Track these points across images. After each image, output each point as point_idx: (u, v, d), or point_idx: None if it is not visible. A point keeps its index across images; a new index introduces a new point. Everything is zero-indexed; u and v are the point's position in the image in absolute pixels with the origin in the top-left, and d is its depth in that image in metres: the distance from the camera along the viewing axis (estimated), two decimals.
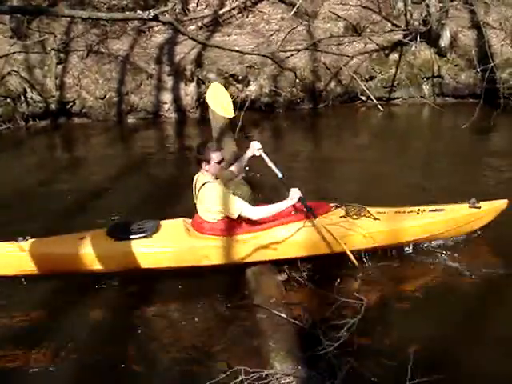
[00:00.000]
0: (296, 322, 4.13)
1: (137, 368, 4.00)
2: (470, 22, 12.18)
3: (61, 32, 12.24)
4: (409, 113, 12.03)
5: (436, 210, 5.24)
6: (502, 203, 5.27)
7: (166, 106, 11.95)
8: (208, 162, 4.85)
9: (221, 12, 13.13)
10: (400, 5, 12.53)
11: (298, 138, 10.70)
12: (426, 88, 12.18)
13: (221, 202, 4.81)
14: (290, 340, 3.90)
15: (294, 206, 5.01)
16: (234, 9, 13.24)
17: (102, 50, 12.19)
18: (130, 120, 12.04)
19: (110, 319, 4.66)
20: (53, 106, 11.79)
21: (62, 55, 11.99)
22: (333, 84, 12.00)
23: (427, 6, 11.81)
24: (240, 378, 3.36)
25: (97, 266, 4.93)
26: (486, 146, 9.50)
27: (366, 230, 5.02)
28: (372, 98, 11.70)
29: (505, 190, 6.64)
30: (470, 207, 5.21)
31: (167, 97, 11.94)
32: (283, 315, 4.17)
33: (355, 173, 8.01)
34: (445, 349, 3.93)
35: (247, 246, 4.90)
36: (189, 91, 11.89)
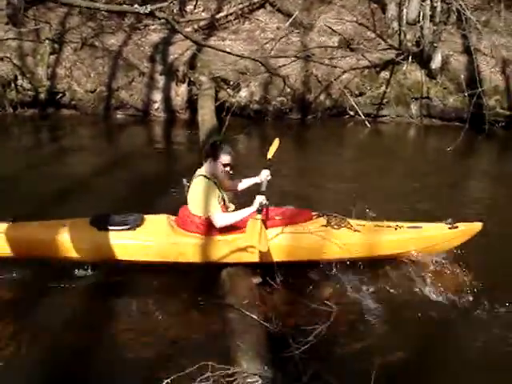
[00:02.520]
0: (266, 324, 4.18)
1: (105, 360, 4.06)
2: (461, 47, 12.36)
3: (56, 22, 12.30)
4: (395, 131, 12.14)
5: (414, 227, 5.35)
6: (477, 226, 5.38)
7: (156, 105, 11.98)
8: (215, 159, 4.89)
9: (218, 16, 13.22)
10: (394, 24, 12.70)
11: (284, 147, 10.72)
12: (414, 108, 12.30)
13: (203, 198, 4.85)
14: (258, 341, 3.94)
15: (276, 212, 5.07)
16: (231, 14, 13.35)
17: (97, 43, 12.23)
18: (119, 116, 12.06)
19: (82, 309, 4.70)
20: (42, 96, 11.81)
21: (55, 45, 12.02)
22: (322, 97, 12.08)
23: (421, 27, 11.96)
24: (206, 374, 3.39)
25: (78, 254, 4.95)
26: (468, 169, 9.62)
27: (344, 240, 5.11)
28: (360, 113, 11.81)
29: (481, 213, 6.77)
30: (448, 227, 5.31)
31: (157, 96, 11.97)
32: (254, 316, 4.22)
33: (338, 185, 8.05)
34: (408, 362, 4.01)
35: (226, 247, 4.95)
36: (179, 92, 11.93)
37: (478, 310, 4.71)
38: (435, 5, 11.67)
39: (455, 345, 4.30)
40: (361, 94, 12.18)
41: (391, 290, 4.98)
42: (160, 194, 7.17)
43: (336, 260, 5.15)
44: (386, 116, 12.41)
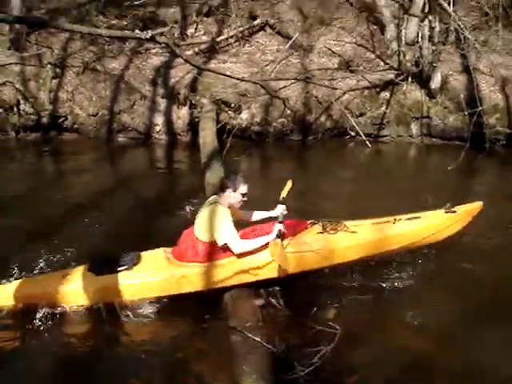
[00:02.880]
0: (270, 346, 4.17)
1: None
2: (460, 67, 12.42)
3: (58, 47, 12.39)
4: (396, 151, 12.15)
5: (412, 218, 5.32)
6: (476, 206, 5.42)
7: (158, 128, 12.03)
8: (234, 190, 4.99)
9: (218, 39, 13.34)
10: (394, 45, 12.77)
11: (286, 168, 10.79)
12: (415, 128, 12.33)
13: (220, 225, 4.89)
14: (262, 363, 3.94)
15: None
16: (231, 37, 13.46)
17: (98, 67, 12.31)
18: (121, 139, 12.11)
19: (86, 339, 4.69)
20: (45, 120, 11.89)
21: (57, 70, 12.10)
22: (323, 118, 12.14)
23: (420, 48, 12.03)
24: None
25: (80, 301, 4.96)
26: (469, 188, 9.62)
27: (343, 244, 5.12)
28: (361, 133, 11.83)
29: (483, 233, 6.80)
30: (445, 212, 5.32)
31: (159, 119, 12.03)
32: (257, 339, 4.21)
33: (338, 204, 8.05)
34: (416, 381, 3.99)
35: (226, 271, 4.96)
36: (181, 115, 11.99)
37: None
38: (434, 25, 11.75)
39: (468, 360, 4.31)
40: (361, 115, 12.23)
41: (395, 311, 4.98)
42: (161, 222, 7.16)
43: (337, 266, 5.15)
44: (386, 136, 12.44)
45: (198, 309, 5.01)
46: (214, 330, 4.62)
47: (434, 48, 11.86)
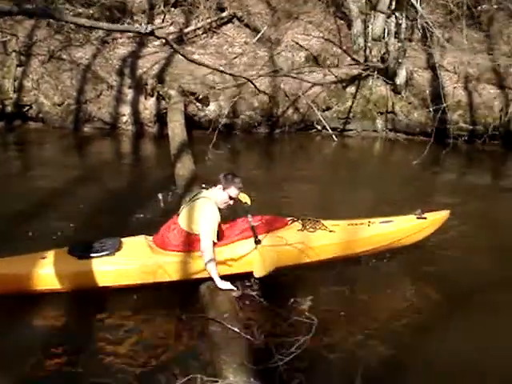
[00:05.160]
0: (248, 336, 4.24)
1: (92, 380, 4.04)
2: (425, 63, 12.67)
3: (23, 35, 12.16)
4: (361, 145, 12.35)
5: (385, 222, 5.55)
6: (444, 214, 5.71)
7: (124, 119, 11.92)
8: (224, 188, 4.99)
9: (186, 31, 13.27)
10: (360, 40, 12.92)
11: (254, 160, 10.87)
12: (380, 123, 12.53)
13: (209, 221, 4.89)
14: (242, 353, 3.99)
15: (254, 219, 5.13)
16: (199, 29, 13.41)
17: (64, 56, 12.14)
18: (87, 129, 11.95)
19: (64, 331, 4.66)
20: (9, 108, 11.71)
21: (22, 58, 11.90)
22: (290, 111, 12.24)
23: (386, 44, 12.23)
24: None
25: (59, 285, 4.89)
26: (432, 181, 9.87)
27: (322, 242, 5.26)
28: (328, 127, 11.95)
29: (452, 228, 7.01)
30: (417, 218, 5.55)
31: (126, 109, 11.92)
32: (236, 329, 4.27)
33: (306, 195, 8.24)
34: (391, 369, 4.12)
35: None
36: (148, 105, 11.92)
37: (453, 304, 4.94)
38: (400, 22, 11.94)
39: (438, 346, 4.44)
40: (328, 109, 12.36)
41: (369, 299, 5.13)
42: (133, 211, 7.12)
43: (315, 263, 5.26)
44: (352, 130, 12.62)
45: (175, 300, 5.04)
46: (192, 320, 4.66)
47: (399, 44, 12.04)
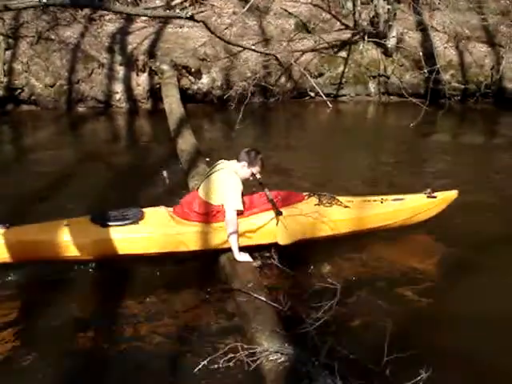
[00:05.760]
0: (275, 304, 4.33)
1: (125, 354, 4.09)
2: (414, 25, 12.68)
3: (10, 17, 11.98)
4: (356, 110, 12.43)
5: (397, 199, 5.69)
6: (453, 193, 5.82)
7: (117, 96, 11.89)
8: (248, 166, 5.08)
9: (173, 3, 13.15)
10: (349, 4, 12.92)
11: (250, 131, 10.86)
12: (372, 86, 12.61)
13: (234, 192, 4.95)
14: (272, 321, 4.07)
15: (272, 195, 5.21)
16: (185, 1, 13.29)
17: (53, 36, 12.03)
18: (80, 109, 11.93)
19: (88, 306, 4.71)
20: (0, 93, 11.59)
21: (10, 41, 11.78)
22: (283, 79, 12.25)
23: (375, 7, 12.21)
24: (239, 353, 3.54)
25: (82, 252, 4.94)
26: (430, 142, 9.99)
27: (338, 217, 5.38)
28: (322, 94, 12.00)
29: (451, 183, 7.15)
30: (427, 197, 5.70)
31: (118, 86, 11.89)
32: (263, 298, 4.35)
33: (306, 166, 8.25)
34: (418, 327, 4.28)
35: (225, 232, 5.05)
36: (140, 81, 11.88)
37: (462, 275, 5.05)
38: None
39: (461, 308, 4.57)
40: (320, 75, 12.41)
41: (385, 262, 5.29)
42: (138, 186, 7.20)
43: (332, 236, 5.37)
44: (345, 95, 12.68)
45: (196, 273, 5.13)
46: (218, 292, 4.74)
47: (389, 7, 12.04)
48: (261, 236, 5.17)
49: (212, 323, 4.39)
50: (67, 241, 4.91)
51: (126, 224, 5.03)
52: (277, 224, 5.12)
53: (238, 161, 5.15)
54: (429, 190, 5.74)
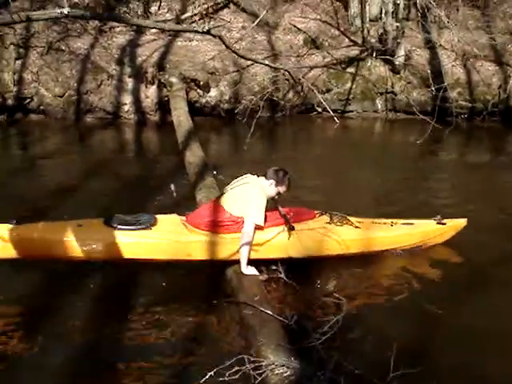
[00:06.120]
0: (281, 318, 4.33)
1: (128, 362, 4.11)
2: (422, 42, 12.75)
3: (21, 27, 12.07)
4: (362, 126, 12.47)
5: (407, 224, 5.70)
6: (462, 221, 5.83)
7: (126, 108, 11.96)
8: (277, 184, 5.13)
9: (183, 17, 13.27)
10: (358, 21, 13.00)
11: (258, 145, 10.87)
12: (380, 103, 12.65)
13: (259, 207, 5.01)
14: (278, 335, 4.08)
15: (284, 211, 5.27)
16: (195, 15, 13.41)
17: (63, 47, 12.14)
18: (89, 119, 12.00)
19: (93, 313, 4.72)
20: (10, 102, 11.71)
21: (21, 50, 11.90)
22: (291, 94, 12.30)
23: (384, 24, 12.28)
24: (245, 366, 3.54)
25: (93, 253, 5.01)
26: (436, 160, 9.98)
27: (349, 236, 5.39)
28: (329, 109, 11.98)
29: (458, 202, 7.26)
30: (436, 223, 5.72)
31: (127, 98, 11.96)
32: (269, 312, 4.36)
33: (314, 182, 8.25)
34: (424, 343, 4.27)
35: (236, 245, 5.06)
36: (149, 94, 11.96)
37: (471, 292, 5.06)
38: (397, 1, 12.00)
39: (467, 324, 4.57)
40: (328, 91, 12.45)
41: (392, 280, 5.28)
42: (146, 197, 7.21)
43: (340, 255, 5.38)
44: (352, 111, 12.72)
45: (203, 285, 5.16)
46: (224, 305, 4.74)
47: (397, 24, 12.10)
48: (275, 249, 5.20)
49: (218, 335, 4.41)
50: (79, 241, 4.97)
51: (138, 229, 5.08)
52: (288, 238, 5.16)
53: (267, 178, 5.18)
54: (439, 217, 5.75)
